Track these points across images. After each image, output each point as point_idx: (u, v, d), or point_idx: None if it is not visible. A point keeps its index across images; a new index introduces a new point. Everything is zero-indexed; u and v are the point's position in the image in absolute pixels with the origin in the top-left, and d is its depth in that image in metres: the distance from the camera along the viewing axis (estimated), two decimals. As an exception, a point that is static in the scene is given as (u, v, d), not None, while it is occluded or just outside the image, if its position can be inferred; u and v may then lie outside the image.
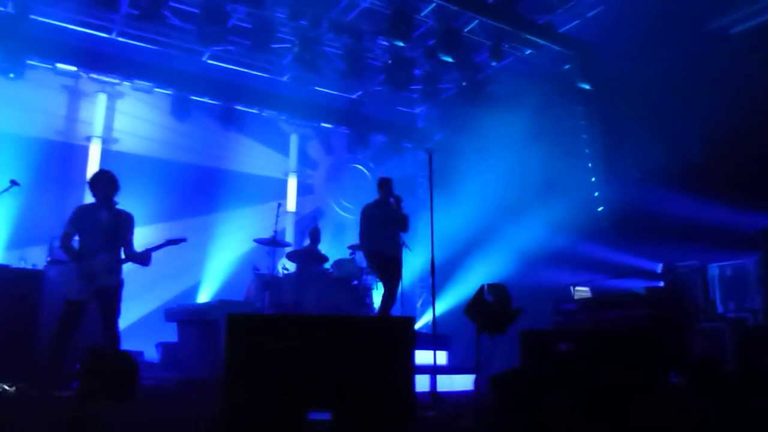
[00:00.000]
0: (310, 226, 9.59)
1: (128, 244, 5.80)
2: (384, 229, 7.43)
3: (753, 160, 8.04)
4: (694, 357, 6.46)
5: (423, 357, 6.08)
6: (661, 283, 8.13)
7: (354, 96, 12.21)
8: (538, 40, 10.10)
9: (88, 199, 9.22)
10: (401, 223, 7.50)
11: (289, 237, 11.37)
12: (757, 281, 7.65)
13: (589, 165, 10.20)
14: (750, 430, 3.86)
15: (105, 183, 5.77)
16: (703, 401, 5.04)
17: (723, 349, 7.23)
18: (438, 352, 6.13)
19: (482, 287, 4.56)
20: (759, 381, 6.68)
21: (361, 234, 7.54)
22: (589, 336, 4.57)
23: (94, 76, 10.17)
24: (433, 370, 5.67)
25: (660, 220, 8.69)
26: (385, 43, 10.32)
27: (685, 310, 7.15)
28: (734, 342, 7.28)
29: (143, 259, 5.79)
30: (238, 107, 11.28)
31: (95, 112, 10.23)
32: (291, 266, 9.19)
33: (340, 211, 12.64)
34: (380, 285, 7.74)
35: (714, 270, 8.51)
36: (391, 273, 7.41)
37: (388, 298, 7.36)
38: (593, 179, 10.11)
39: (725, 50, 8.26)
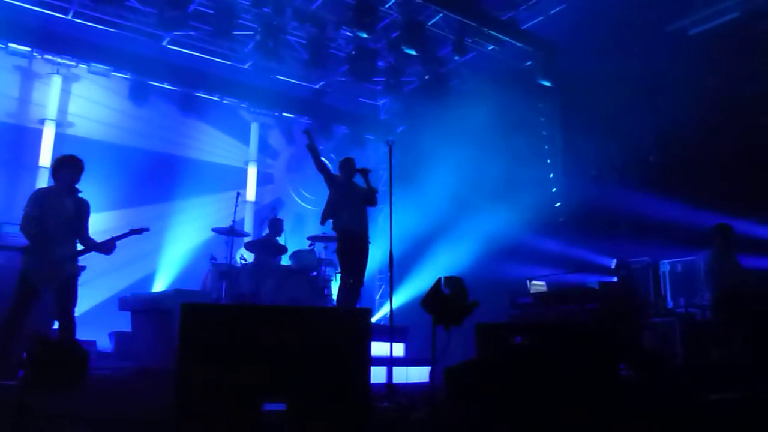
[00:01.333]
0: (270, 216, 9.51)
1: (84, 232, 5.65)
2: (350, 206, 7.18)
3: (706, 159, 8.27)
4: (643, 351, 6.62)
5: (380, 348, 6.09)
6: (615, 279, 8.31)
7: (317, 86, 12.14)
8: (501, 36, 10.20)
9: (41, 183, 9.04)
10: (369, 198, 7.25)
11: (248, 227, 11.26)
12: (707, 277, 7.85)
13: (548, 161, 10.35)
14: (691, 422, 3.98)
15: (71, 169, 5.59)
16: (650, 394, 5.16)
17: (672, 343, 7.43)
18: (395, 344, 6.16)
19: (439, 280, 4.59)
20: (705, 374, 6.89)
21: (329, 207, 7.24)
22: (543, 329, 4.64)
23: (49, 57, 9.88)
24: (390, 362, 5.69)
25: (615, 217, 8.89)
26: (348, 33, 10.28)
27: (636, 305, 7.32)
28: (683, 336, 7.49)
29: (107, 248, 5.66)
30: (198, 94, 11.12)
31: (49, 94, 9.93)
32: (249, 256, 9.11)
33: (301, 202, 12.57)
34: (338, 277, 7.70)
35: (665, 266, 8.73)
36: (355, 258, 7.11)
37: (351, 292, 7.09)
38: (551, 175, 10.27)
39: (684, 51, 8.46)
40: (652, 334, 7.43)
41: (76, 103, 10.25)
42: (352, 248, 7.11)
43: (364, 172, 7.23)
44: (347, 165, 7.39)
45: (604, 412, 3.86)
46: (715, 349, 7.45)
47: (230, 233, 8.53)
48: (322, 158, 7.44)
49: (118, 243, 5.78)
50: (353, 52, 10.56)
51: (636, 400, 4.69)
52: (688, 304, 8.27)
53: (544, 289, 8.05)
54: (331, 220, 7.24)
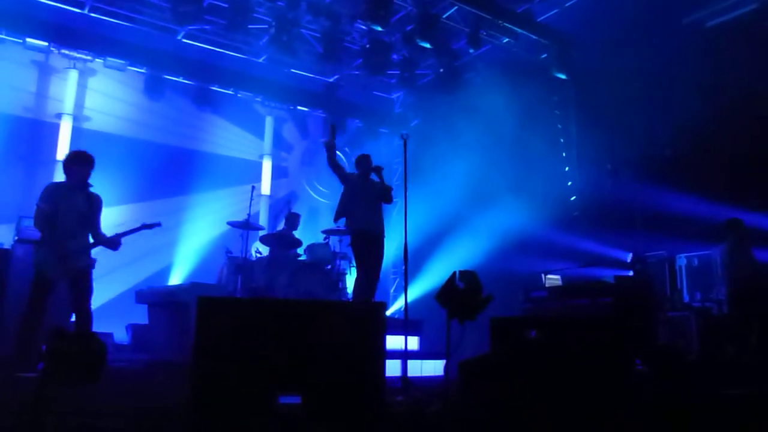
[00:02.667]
0: (285, 210, 9.54)
1: (96, 227, 5.70)
2: (365, 203, 7.13)
3: (722, 153, 8.19)
4: (659, 345, 6.59)
5: (394, 342, 6.11)
6: (630, 273, 8.26)
7: (331, 80, 12.14)
8: (516, 29, 10.13)
9: (58, 177, 9.13)
10: (384, 195, 7.20)
11: (262, 220, 11.31)
12: (722, 271, 7.80)
13: (563, 155, 10.29)
14: (705, 417, 3.96)
15: (82, 164, 5.64)
16: (664, 388, 5.14)
17: (688, 338, 7.39)
18: (409, 338, 6.17)
19: (454, 274, 4.59)
20: (721, 369, 6.85)
21: (342, 205, 7.20)
22: (557, 323, 4.63)
23: (65, 51, 9.96)
24: (404, 355, 5.71)
25: (630, 211, 8.83)
26: (363, 27, 10.26)
27: (652, 299, 7.28)
28: (699, 331, 7.44)
29: (113, 243, 5.70)
30: (213, 88, 11.16)
31: (66, 88, 10.02)
32: (264, 250, 9.15)
33: (315, 195, 12.60)
34: (353, 270, 7.70)
35: (682, 260, 8.67)
36: (370, 255, 7.05)
37: (367, 287, 6.97)
38: (567, 169, 10.21)
39: (700, 44, 8.37)
40: (667, 328, 7.40)
41: (93, 98, 10.33)
42: (367, 246, 7.06)
43: (378, 170, 7.19)
44: (363, 162, 7.35)
45: (618, 406, 3.85)
46: (730, 344, 7.41)
47: (245, 227, 8.57)
48: (338, 153, 7.46)
49: (134, 236, 5.83)
50: (367, 46, 10.55)
51: (650, 395, 4.68)
52: (705, 299, 8.22)
53: (559, 283, 8.03)
54: (344, 218, 7.22)
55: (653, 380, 5.70)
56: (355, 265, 7.23)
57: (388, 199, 7.27)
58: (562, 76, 10.24)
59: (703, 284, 8.44)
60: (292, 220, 9.17)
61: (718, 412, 4.15)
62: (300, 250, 9.12)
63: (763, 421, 3.94)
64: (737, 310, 7.39)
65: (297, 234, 9.17)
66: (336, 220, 7.34)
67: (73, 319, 5.69)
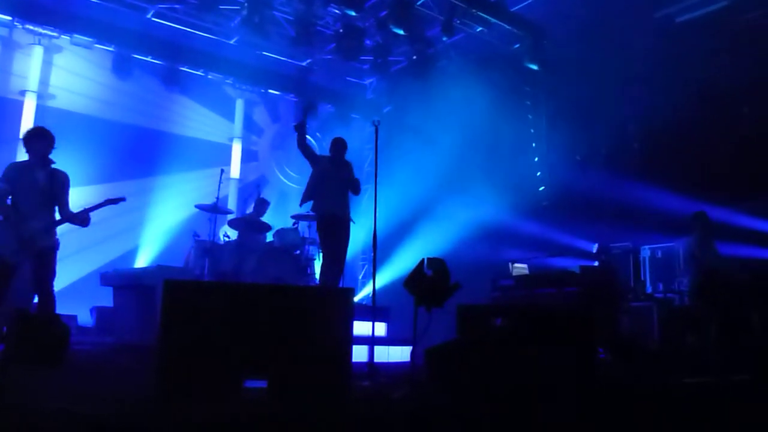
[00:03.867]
0: (255, 194, 9.47)
1: (64, 204, 5.58)
2: (334, 188, 7.04)
3: (689, 147, 8.34)
4: (621, 334, 6.72)
5: (362, 328, 6.13)
6: (595, 263, 8.40)
7: (303, 63, 12.03)
8: (490, 18, 10.15)
9: (21, 155, 8.91)
10: (352, 185, 7.13)
11: (231, 204, 11.21)
12: (686, 263, 7.98)
13: (533, 145, 10.38)
14: (663, 404, 4.06)
15: (41, 140, 5.52)
16: (625, 376, 5.25)
17: (650, 328, 7.56)
18: (377, 324, 6.20)
19: (422, 261, 4.61)
20: (681, 358, 7.02)
21: (309, 189, 7.09)
22: (523, 312, 4.69)
23: (30, 27, 9.68)
24: (372, 341, 5.73)
25: (597, 202, 8.95)
26: (336, 11, 10.18)
27: (616, 290, 7.41)
28: (660, 321, 7.61)
29: (81, 219, 5.59)
30: (183, 68, 10.97)
31: (30, 65, 9.75)
32: (233, 234, 9.08)
33: (285, 180, 12.52)
34: (321, 256, 7.67)
35: (645, 252, 8.84)
36: (337, 238, 6.99)
37: (335, 272, 6.96)
38: (536, 159, 10.30)
39: (670, 38, 8.49)
40: (630, 318, 7.55)
41: (58, 75, 10.08)
42: (332, 231, 7.01)
43: (349, 166, 7.16)
44: (336, 145, 7.25)
45: (581, 393, 3.93)
46: (690, 335, 7.59)
47: (214, 210, 8.50)
48: (308, 138, 7.36)
49: (97, 216, 5.71)
50: (341, 30, 10.47)
51: (612, 383, 4.77)
52: (667, 290, 8.40)
53: (526, 272, 8.13)
54: (311, 202, 7.15)
55: (615, 368, 5.82)
56: (321, 251, 7.21)
57: (357, 190, 7.20)
58: (534, 67, 10.30)
59: (665, 276, 8.62)
60: (261, 207, 9.12)
61: (673, 399, 4.25)
62: (269, 235, 9.07)
63: (715, 408, 4.05)
64: (699, 302, 7.56)
65: (266, 218, 9.12)
66: (302, 203, 7.24)
67: (36, 300, 5.59)
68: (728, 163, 7.92)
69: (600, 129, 9.17)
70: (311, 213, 8.08)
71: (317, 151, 7.58)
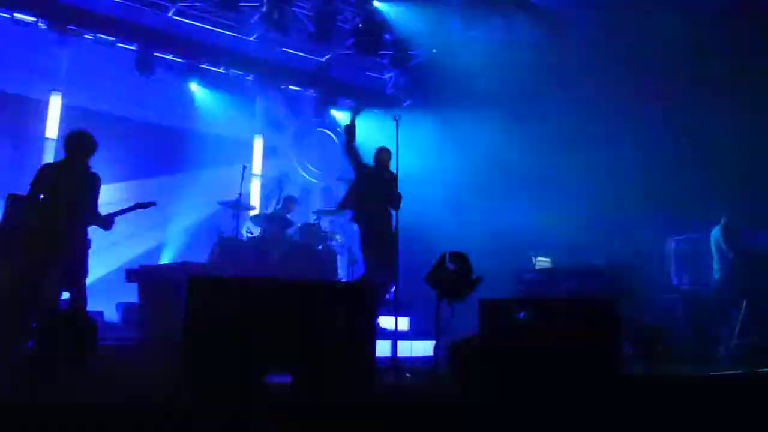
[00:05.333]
0: (277, 191, 9.52)
1: (92, 206, 5.69)
2: (377, 200, 6.66)
3: (716, 138, 8.21)
4: (647, 327, 6.65)
5: (385, 322, 6.14)
6: (620, 255, 8.31)
7: (323, 59, 12.03)
8: (510, 10, 10.06)
9: (47, 155, 9.07)
10: (394, 200, 6.55)
11: (254, 200, 11.28)
12: (715, 253, 7.89)
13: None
14: (688, 397, 4.01)
15: (85, 144, 5.63)
16: (650, 369, 5.20)
17: (676, 320, 7.47)
18: (400, 318, 6.20)
19: (444, 255, 4.61)
20: (707, 351, 6.94)
21: (350, 197, 6.77)
22: (546, 305, 4.66)
23: (55, 27, 9.79)
24: (395, 336, 5.74)
25: (621, 194, 8.84)
26: (355, 6, 10.17)
27: (641, 283, 7.33)
28: (686, 313, 7.52)
29: (105, 223, 5.70)
30: (204, 65, 11.03)
31: (55, 64, 9.88)
32: (255, 230, 9.14)
33: (306, 176, 12.55)
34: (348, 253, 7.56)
35: (671, 243, 8.73)
36: (381, 254, 6.47)
37: (386, 277, 6.40)
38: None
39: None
40: (656, 310, 7.46)
41: (82, 74, 10.18)
42: (376, 243, 6.63)
43: (393, 178, 6.59)
44: (380, 155, 6.82)
45: (605, 387, 3.90)
46: (717, 327, 7.50)
47: (236, 206, 8.55)
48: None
49: (126, 215, 5.83)
50: (360, 25, 10.46)
51: (637, 375, 4.73)
52: (693, 282, 8.29)
53: (549, 265, 8.07)
54: (351, 211, 6.85)
55: (641, 361, 5.77)
56: (364, 260, 6.77)
57: (397, 206, 6.62)
58: (555, 60, 10.17)
59: (692, 267, 8.50)
60: (288, 204, 9.17)
61: (698, 392, 4.20)
62: (291, 231, 9.11)
63: (743, 401, 3.99)
64: (727, 293, 7.47)
65: (288, 214, 9.17)
66: (341, 208, 7.02)
67: (66, 297, 5.70)
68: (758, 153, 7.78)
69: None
70: (332, 208, 8.09)
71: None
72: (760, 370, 5.21)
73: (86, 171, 5.64)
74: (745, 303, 7.27)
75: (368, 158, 7.16)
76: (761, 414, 3.94)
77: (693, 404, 3.95)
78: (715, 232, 7.91)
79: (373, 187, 6.75)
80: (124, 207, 5.80)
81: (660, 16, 8.51)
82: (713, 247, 7.92)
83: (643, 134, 8.93)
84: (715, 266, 7.85)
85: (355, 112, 7.07)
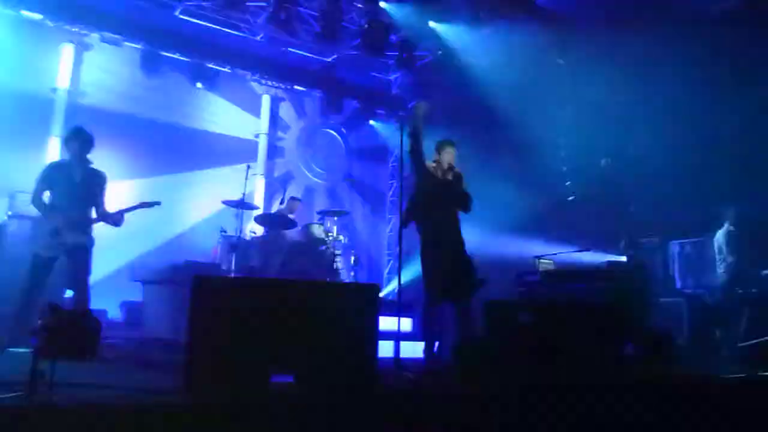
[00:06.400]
0: (281, 191, 9.54)
1: (100, 203, 5.74)
2: (444, 206, 5.83)
3: (719, 141, 8.19)
4: (651, 330, 6.64)
5: (387, 323, 6.13)
6: (624, 258, 8.30)
7: (328, 59, 12.05)
8: (516, 12, 10.05)
9: (52, 152, 9.10)
10: (462, 201, 5.86)
11: (258, 200, 11.29)
12: (717, 256, 7.89)
13: (560, 140, 10.27)
14: (691, 401, 4.00)
15: (80, 140, 5.67)
16: (653, 371, 5.18)
17: (679, 324, 7.46)
18: (402, 319, 6.19)
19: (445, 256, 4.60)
20: (710, 353, 6.93)
21: (414, 207, 5.86)
22: (550, 307, 4.66)
23: (61, 25, 9.84)
24: (397, 337, 5.73)
25: (624, 196, 8.83)
26: (361, 6, 10.18)
27: (644, 285, 7.32)
28: (690, 317, 7.51)
29: (115, 219, 5.76)
30: (210, 65, 11.05)
31: (61, 63, 9.92)
32: (259, 230, 9.15)
33: (311, 176, 12.57)
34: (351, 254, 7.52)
35: (674, 247, 8.71)
36: (448, 272, 5.53)
37: (456, 317, 5.40)
38: (563, 153, 10.19)
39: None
40: (659, 313, 7.45)
41: (88, 73, 10.24)
42: (441, 259, 5.68)
43: (458, 177, 5.91)
44: (447, 149, 5.89)
45: (609, 389, 3.89)
46: (720, 330, 7.49)
47: (240, 206, 8.57)
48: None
49: (131, 214, 5.88)
50: (366, 26, 10.47)
51: (640, 379, 4.72)
52: (696, 285, 8.27)
53: (553, 267, 8.05)
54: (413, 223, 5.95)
55: (644, 363, 5.75)
56: (425, 283, 5.75)
57: (467, 208, 5.93)
58: (561, 62, 10.19)
59: (695, 271, 8.48)
60: (291, 204, 9.18)
61: (702, 394, 4.19)
62: (295, 231, 9.12)
63: (743, 404, 3.99)
64: (729, 296, 7.46)
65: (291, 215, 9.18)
66: (405, 224, 5.91)
67: (69, 295, 5.74)
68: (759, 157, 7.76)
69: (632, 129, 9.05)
70: (335, 208, 8.03)
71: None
72: (762, 372, 5.19)
73: (88, 167, 5.68)
74: (746, 306, 7.26)
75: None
76: (763, 416, 3.93)
77: (696, 406, 3.94)
78: (719, 234, 7.91)
79: (441, 191, 5.83)
80: (130, 206, 5.85)
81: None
82: (716, 250, 7.93)
83: (647, 135, 8.91)
84: (718, 269, 7.85)
85: (422, 109, 5.88)
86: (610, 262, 7.50)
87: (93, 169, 5.73)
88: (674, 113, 8.39)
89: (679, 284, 8.41)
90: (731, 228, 7.82)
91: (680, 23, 8.50)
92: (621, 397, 3.80)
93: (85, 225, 5.63)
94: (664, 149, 8.56)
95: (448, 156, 5.88)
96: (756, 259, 7.58)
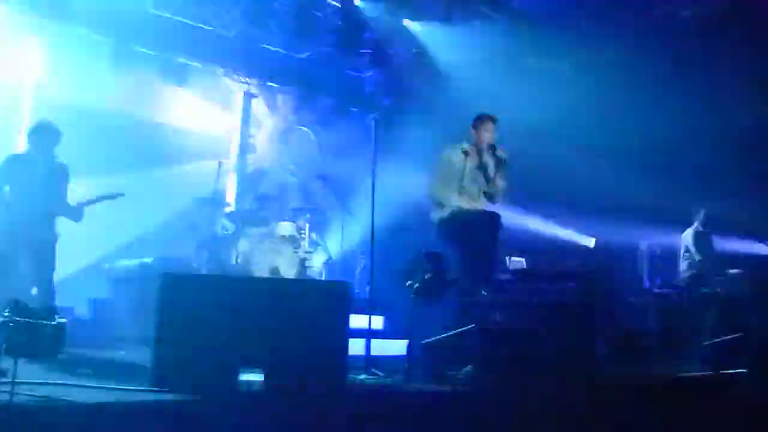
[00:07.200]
0: (254, 188, 9.47)
1: (61, 197, 5.61)
2: (470, 189, 5.31)
3: (690, 142, 8.34)
4: (620, 329, 6.73)
5: (359, 321, 6.11)
6: (594, 258, 8.41)
7: (302, 56, 11.96)
8: (490, 12, 10.11)
9: (18, 145, 8.90)
10: (494, 190, 5.34)
11: (229, 196, 11.18)
12: (685, 255, 8.03)
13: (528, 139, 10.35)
14: (661, 397, 4.06)
15: (46, 134, 5.55)
16: (622, 370, 5.25)
17: (648, 323, 7.57)
18: (374, 317, 6.18)
19: (420, 254, 4.61)
20: (677, 352, 7.05)
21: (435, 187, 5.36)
22: (521, 306, 4.69)
23: (28, 17, 9.62)
24: (369, 335, 5.72)
25: (595, 197, 8.95)
26: (336, 3, 10.14)
27: (614, 285, 7.42)
28: (658, 316, 7.63)
29: (75, 214, 5.62)
30: (182, 60, 10.90)
31: (29, 55, 9.70)
32: (230, 226, 9.07)
33: (283, 173, 12.47)
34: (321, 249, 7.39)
35: (644, 247, 8.85)
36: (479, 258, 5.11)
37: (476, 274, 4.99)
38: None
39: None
40: (628, 313, 7.56)
41: (56, 66, 10.01)
42: (469, 244, 5.24)
43: (500, 162, 5.34)
44: (486, 124, 5.33)
45: (579, 388, 3.93)
46: (687, 329, 7.62)
47: (212, 203, 8.48)
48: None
49: (96, 208, 5.76)
50: (340, 23, 10.43)
51: (612, 377, 4.78)
52: (665, 285, 8.41)
53: (524, 266, 8.11)
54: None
55: (614, 362, 5.83)
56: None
57: (495, 197, 5.48)
58: (534, 62, 10.27)
59: (664, 271, 8.63)
60: (263, 202, 9.13)
61: (669, 393, 4.26)
62: (267, 228, 9.06)
63: (712, 401, 4.06)
64: (696, 295, 7.60)
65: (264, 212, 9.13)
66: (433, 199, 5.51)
67: (34, 292, 5.61)
68: (727, 159, 7.93)
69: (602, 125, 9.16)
70: (308, 206, 7.96)
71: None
72: (727, 371, 5.30)
73: (53, 162, 5.56)
74: (713, 305, 7.40)
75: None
76: (728, 413, 4.00)
77: (663, 404, 4.00)
78: (687, 234, 8.05)
79: (465, 175, 5.29)
80: (91, 198, 5.71)
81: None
82: (682, 249, 8.07)
83: (615, 136, 9.04)
84: (684, 268, 7.99)
85: None
86: (580, 262, 7.58)
87: (56, 162, 5.61)
88: (642, 113, 8.52)
89: (647, 284, 8.54)
90: (700, 228, 7.96)
91: (650, 26, 8.65)
92: (591, 396, 3.84)
93: (47, 220, 5.50)
94: (631, 149, 8.71)
95: (488, 134, 5.31)
96: (722, 259, 7.74)
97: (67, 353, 4.59)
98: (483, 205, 5.36)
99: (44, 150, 5.51)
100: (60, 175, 5.60)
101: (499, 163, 5.24)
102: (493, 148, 5.25)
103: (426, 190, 5.56)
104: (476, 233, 5.13)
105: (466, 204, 5.23)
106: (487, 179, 5.32)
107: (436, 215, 5.43)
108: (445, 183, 5.31)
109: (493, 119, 5.30)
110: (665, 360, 6.72)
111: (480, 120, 5.36)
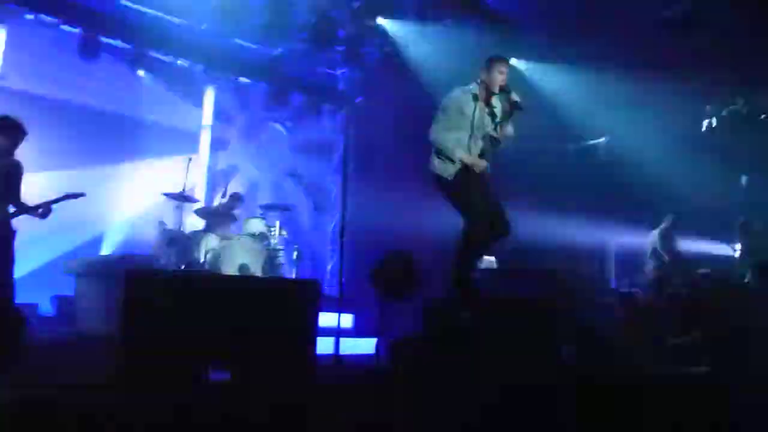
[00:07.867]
0: (224, 184, 9.39)
1: (16, 195, 5.47)
2: (477, 139, 4.98)
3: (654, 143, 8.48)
4: (586, 329, 6.81)
5: (328, 319, 6.10)
6: (562, 258, 8.50)
7: (275, 52, 11.87)
8: (463, 10, 10.15)
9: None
10: (500, 135, 5.04)
11: (199, 193, 11.07)
12: (649, 255, 8.16)
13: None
14: (626, 396, 4.12)
15: (8, 132, 5.41)
16: (590, 371, 5.32)
17: (614, 322, 7.67)
18: (343, 316, 6.18)
19: (387, 254, 4.61)
20: (642, 351, 7.15)
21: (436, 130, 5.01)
22: (488, 305, 4.71)
23: (-8, 6, 9.40)
24: (337, 333, 5.72)
25: (566, 198, 9.04)
26: (310, -1, 10.11)
27: (581, 285, 7.51)
28: (625, 315, 7.74)
29: (42, 212, 5.51)
30: (151, 53, 10.74)
31: (-8, 45, 9.48)
32: (199, 223, 8.97)
33: (254, 169, 12.39)
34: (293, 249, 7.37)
35: (611, 247, 8.97)
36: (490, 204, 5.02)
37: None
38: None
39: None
40: (594, 312, 7.65)
41: (21, 56, 9.77)
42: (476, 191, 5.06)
43: (514, 105, 4.95)
44: (498, 66, 4.98)
45: (543, 387, 3.97)
46: (654, 329, 7.74)
47: (181, 199, 8.39)
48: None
49: (63, 204, 5.65)
50: (314, 20, 10.38)
51: (576, 377, 4.83)
52: (632, 285, 8.54)
53: (494, 265, 8.17)
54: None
55: (580, 361, 5.89)
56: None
57: (496, 145, 5.15)
58: (513, 61, 10.33)
59: (631, 271, 8.76)
60: (233, 202, 9.06)
61: (635, 390, 4.32)
62: (236, 225, 9.00)
63: (679, 400, 4.12)
64: (659, 294, 7.73)
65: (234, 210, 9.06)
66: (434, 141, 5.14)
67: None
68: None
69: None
70: (279, 203, 7.95)
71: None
72: (693, 369, 5.40)
73: (9, 159, 5.43)
74: (679, 304, 7.52)
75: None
76: (693, 413, 4.07)
77: (628, 402, 4.05)
78: (654, 234, 8.18)
79: (480, 118, 4.97)
80: (54, 198, 5.62)
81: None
82: (649, 250, 8.20)
83: (585, 136, 9.16)
84: (650, 268, 8.13)
85: None
86: (548, 262, 7.67)
87: (11, 159, 5.48)
88: (611, 114, 8.64)
89: (614, 283, 8.66)
90: (668, 228, 8.10)
91: (623, 29, 8.76)
92: (557, 397, 3.88)
93: (6, 218, 5.37)
94: (598, 148, 8.83)
95: (501, 77, 4.96)
96: (688, 259, 7.89)
97: (31, 349, 4.51)
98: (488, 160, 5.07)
99: (6, 147, 5.38)
100: (13, 172, 5.44)
101: (512, 107, 4.93)
102: (506, 91, 4.95)
103: (430, 135, 5.08)
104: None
105: (469, 159, 4.90)
106: (495, 124, 5.03)
107: (440, 168, 5.07)
108: (452, 130, 4.96)
109: (506, 60, 5.03)
110: (629, 358, 6.81)
111: (492, 61, 5.01)
